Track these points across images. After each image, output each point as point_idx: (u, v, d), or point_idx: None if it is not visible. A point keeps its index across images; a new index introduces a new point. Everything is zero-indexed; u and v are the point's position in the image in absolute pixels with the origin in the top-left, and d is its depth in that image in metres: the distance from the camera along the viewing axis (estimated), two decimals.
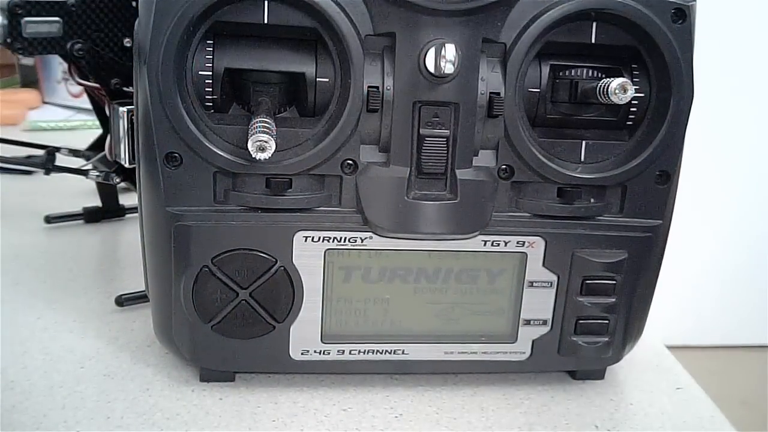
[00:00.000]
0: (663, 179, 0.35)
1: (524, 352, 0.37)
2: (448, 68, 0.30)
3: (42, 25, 0.44)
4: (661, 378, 0.40)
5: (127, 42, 0.47)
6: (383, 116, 0.32)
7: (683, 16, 0.32)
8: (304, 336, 0.35)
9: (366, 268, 0.35)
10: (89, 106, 0.55)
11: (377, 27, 0.31)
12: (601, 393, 0.39)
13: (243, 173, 0.32)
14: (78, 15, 0.45)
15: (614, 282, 0.36)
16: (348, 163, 0.33)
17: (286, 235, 0.33)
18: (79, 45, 0.45)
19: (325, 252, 0.34)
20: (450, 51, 0.30)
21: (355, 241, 0.34)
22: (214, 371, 0.36)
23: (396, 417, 0.36)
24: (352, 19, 0.31)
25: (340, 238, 0.34)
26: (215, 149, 0.31)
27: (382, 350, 0.36)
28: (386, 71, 0.31)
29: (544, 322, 0.36)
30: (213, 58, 0.31)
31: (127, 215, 0.60)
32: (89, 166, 0.51)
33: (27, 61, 1.04)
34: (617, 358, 0.38)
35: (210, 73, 0.31)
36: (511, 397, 0.38)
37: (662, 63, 0.33)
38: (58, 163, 0.54)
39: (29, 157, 0.59)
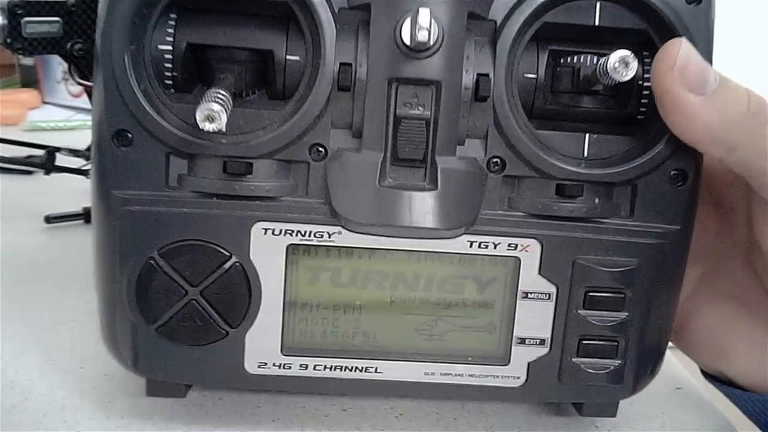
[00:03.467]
0: (679, 179, 0.30)
1: (518, 377, 0.32)
2: (422, 36, 0.27)
3: (42, 25, 0.44)
4: (661, 378, 0.40)
5: None
6: (356, 96, 0.29)
7: None
8: (262, 346, 0.31)
9: (335, 270, 0.31)
10: (89, 106, 0.55)
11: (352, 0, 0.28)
12: None
13: (199, 156, 0.29)
14: (78, 15, 0.45)
15: (623, 295, 0.31)
16: (317, 149, 0.29)
17: (243, 226, 0.30)
18: (79, 45, 0.45)
19: (287, 248, 0.30)
20: (424, 16, 0.26)
21: (322, 236, 0.30)
22: (162, 384, 0.33)
23: (396, 417, 0.36)
24: None
25: (305, 232, 0.30)
26: (168, 127, 0.28)
27: (352, 367, 0.32)
28: (360, 47, 0.28)
29: (542, 342, 0.32)
30: (174, 33, 0.29)
31: None
32: (89, 166, 0.51)
33: (27, 61, 1.04)
34: (631, 390, 0.33)
35: (170, 48, 0.29)
36: None
37: None
38: (58, 163, 0.55)
39: (29, 157, 0.59)
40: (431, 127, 0.29)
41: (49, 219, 0.57)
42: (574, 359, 0.32)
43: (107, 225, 0.30)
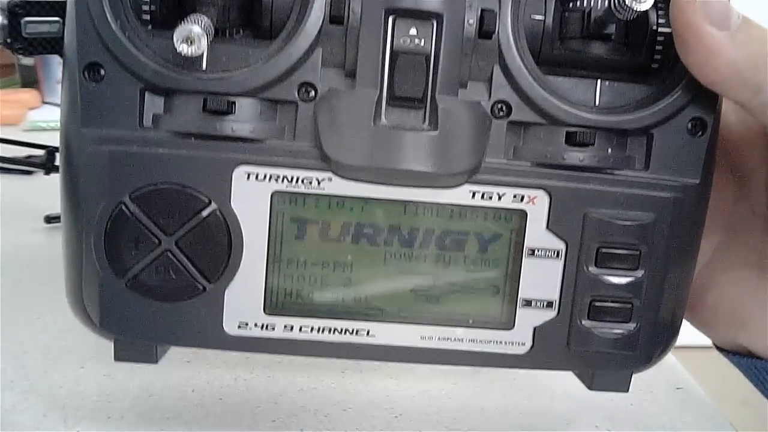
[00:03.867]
0: (698, 128, 0.28)
1: (524, 343, 0.30)
2: None
3: (42, 25, 0.44)
4: (661, 378, 0.40)
5: None
6: (349, 30, 0.27)
7: None
8: (243, 304, 0.29)
9: (324, 223, 0.28)
10: None
11: None
12: (601, 393, 0.38)
13: (176, 94, 0.27)
14: None
15: (638, 252, 0.28)
16: (306, 88, 0.27)
17: (223, 170, 0.27)
18: None
19: (272, 195, 0.28)
20: None
21: (311, 182, 0.27)
22: (131, 347, 0.30)
23: (396, 417, 0.36)
24: None
25: (292, 178, 0.27)
26: (144, 59, 0.26)
27: (342, 329, 0.29)
28: None
29: (549, 304, 0.29)
30: None
31: None
32: None
33: (27, 61, 1.05)
34: (645, 360, 0.30)
35: None
36: (511, 397, 0.38)
37: None
38: (58, 163, 0.55)
39: (29, 157, 0.59)
40: (431, 64, 0.27)
41: (49, 219, 0.57)
42: (584, 322, 0.29)
43: (75, 166, 0.28)
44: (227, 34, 0.28)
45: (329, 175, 0.27)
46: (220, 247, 0.28)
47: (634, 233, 0.28)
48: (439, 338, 0.30)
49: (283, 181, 0.27)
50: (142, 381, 0.37)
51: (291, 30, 0.27)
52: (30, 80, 1.07)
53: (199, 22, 0.25)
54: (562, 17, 0.28)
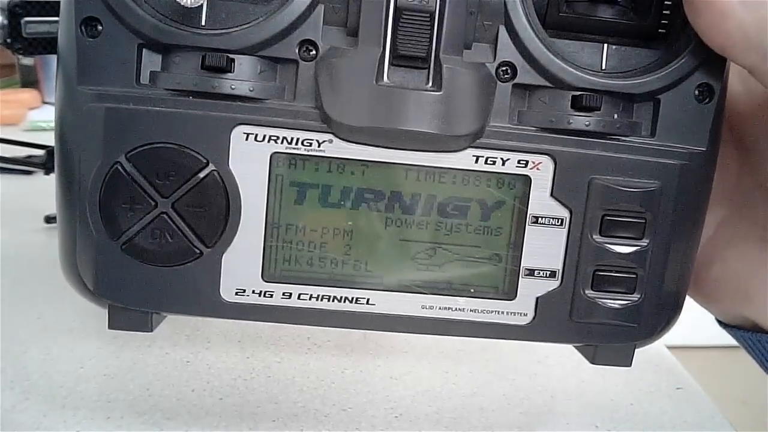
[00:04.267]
0: (705, 94, 0.28)
1: (526, 314, 0.29)
2: None
3: (42, 25, 0.44)
4: (661, 378, 0.40)
5: None
6: None
7: None
8: (241, 270, 0.28)
9: (324, 187, 0.28)
10: None
11: None
12: (601, 393, 0.39)
13: (174, 51, 0.26)
14: None
15: (644, 220, 0.28)
16: (307, 47, 0.26)
17: (221, 129, 0.26)
18: None
19: (271, 157, 0.27)
20: None
21: (311, 143, 0.27)
22: (126, 316, 0.29)
23: (396, 417, 0.36)
24: None
25: (291, 139, 0.27)
26: (142, 13, 0.26)
27: (341, 297, 0.29)
28: None
29: (552, 274, 0.29)
30: None
31: None
32: None
33: (27, 61, 1.05)
34: (648, 334, 0.30)
35: None
36: (511, 397, 0.38)
37: None
38: None
39: (29, 157, 0.59)
40: (436, 22, 0.26)
41: (49, 219, 0.57)
42: (587, 292, 0.29)
43: (71, 125, 0.27)
44: None
45: (330, 137, 0.27)
46: (217, 210, 0.27)
47: (639, 201, 0.28)
48: (440, 308, 0.29)
49: (282, 142, 0.27)
50: (142, 381, 0.37)
51: None
52: (30, 80, 1.07)
53: None
54: None
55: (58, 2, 0.46)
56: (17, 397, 0.35)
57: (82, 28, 0.26)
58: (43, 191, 0.64)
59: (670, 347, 0.43)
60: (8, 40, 0.43)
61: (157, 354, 0.40)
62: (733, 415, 0.38)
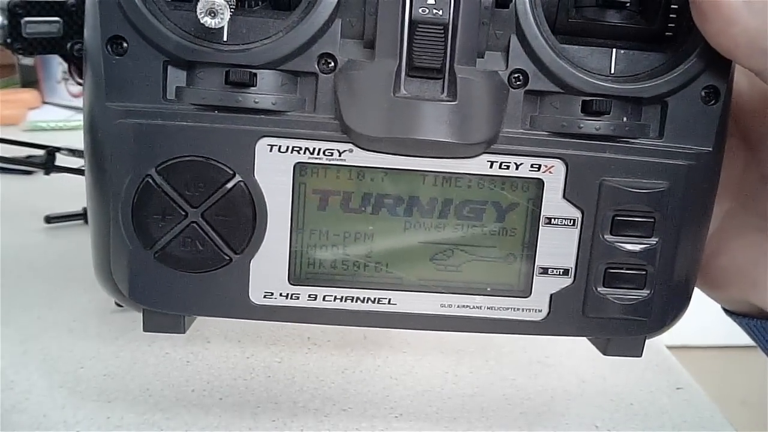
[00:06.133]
0: (711, 96, 0.29)
1: (540, 310, 0.30)
2: None
3: (42, 25, 0.44)
4: (661, 378, 0.40)
5: None
6: (367, 0, 0.27)
7: None
8: (268, 274, 0.29)
9: (345, 194, 0.29)
10: None
11: None
12: (601, 393, 0.39)
13: (199, 67, 0.27)
14: (78, 15, 0.45)
15: (653, 219, 0.29)
16: (326, 59, 0.27)
17: (246, 142, 0.28)
18: (79, 45, 0.45)
19: (294, 167, 0.28)
20: None
21: (332, 154, 0.28)
22: (159, 318, 0.30)
23: (396, 417, 0.36)
24: None
25: (314, 150, 0.28)
26: (167, 32, 0.27)
27: (364, 298, 0.30)
28: None
29: (566, 272, 0.30)
30: None
31: None
32: None
33: (27, 61, 1.04)
34: (659, 326, 0.31)
35: None
36: (511, 397, 0.38)
37: None
38: (58, 163, 0.55)
39: (29, 157, 0.59)
40: (450, 34, 0.27)
41: (49, 219, 0.57)
42: (599, 289, 0.30)
43: (101, 141, 0.28)
44: (247, 5, 0.28)
45: (350, 146, 0.28)
46: (245, 219, 0.28)
47: (648, 201, 0.29)
48: (458, 306, 0.30)
49: (305, 152, 0.28)
50: (142, 381, 0.37)
51: (310, 1, 0.27)
52: (30, 80, 1.06)
53: None
54: None
55: (58, 2, 0.46)
56: (17, 397, 0.35)
57: (109, 46, 0.27)
58: (43, 191, 0.64)
59: (670, 347, 0.43)
60: (8, 40, 0.43)
61: (157, 354, 0.40)
62: (733, 415, 0.38)
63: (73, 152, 0.56)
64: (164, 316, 0.30)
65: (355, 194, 0.29)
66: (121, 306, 0.44)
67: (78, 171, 0.52)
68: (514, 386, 0.38)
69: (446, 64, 0.27)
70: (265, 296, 0.30)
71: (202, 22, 0.25)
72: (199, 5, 0.25)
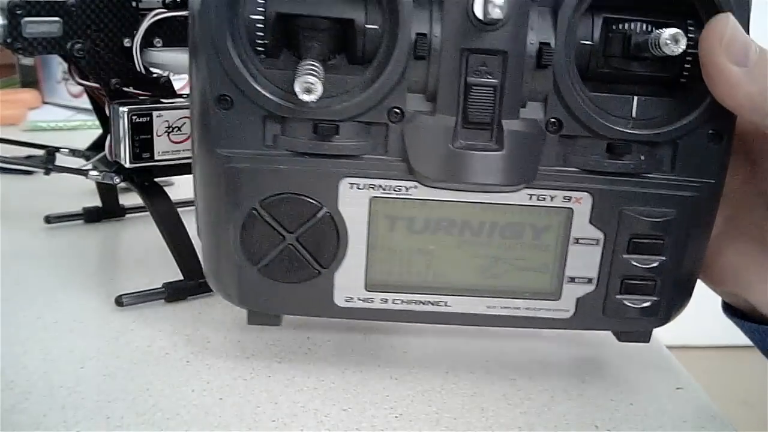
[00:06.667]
0: (716, 138, 0.34)
1: (568, 310, 0.36)
2: (496, 13, 0.29)
3: (42, 25, 0.44)
4: (661, 378, 0.40)
5: (126, 42, 0.46)
6: (430, 64, 0.32)
7: None
8: (349, 283, 0.36)
9: (411, 219, 0.35)
10: (89, 106, 0.55)
11: None
12: (601, 393, 0.39)
13: (291, 118, 0.32)
14: (78, 15, 0.45)
15: (662, 241, 0.35)
16: (395, 111, 0.32)
17: (332, 181, 0.34)
18: (79, 45, 0.45)
19: (370, 200, 0.34)
20: None
21: (400, 190, 0.34)
22: (261, 315, 0.37)
23: (396, 417, 0.36)
24: None
25: (386, 187, 0.34)
26: (265, 93, 0.32)
27: (425, 301, 0.36)
28: (434, 18, 0.31)
29: (589, 281, 0.36)
30: (265, 3, 0.31)
31: (127, 215, 0.60)
32: (89, 166, 0.51)
33: (27, 61, 1.04)
34: (664, 321, 0.37)
35: (262, 17, 0.32)
36: (511, 397, 0.38)
37: None
38: (58, 163, 0.54)
39: (29, 157, 0.58)
40: (498, 93, 0.32)
41: (49, 219, 0.57)
42: (617, 296, 0.36)
43: (211, 180, 0.34)
44: (325, 60, 0.32)
45: (415, 183, 0.34)
46: (331, 241, 0.35)
47: (659, 227, 0.34)
48: (501, 307, 0.37)
49: (378, 189, 0.34)
50: (142, 381, 0.37)
51: (381, 62, 0.32)
52: (30, 80, 1.06)
53: (313, 71, 0.29)
54: (605, 38, 0.33)
55: (58, 2, 0.46)
56: (17, 397, 0.35)
57: (217, 103, 0.32)
58: (43, 191, 0.64)
59: (670, 347, 0.43)
60: (8, 40, 0.43)
61: (157, 354, 0.40)
62: (733, 415, 0.38)
63: (73, 152, 0.56)
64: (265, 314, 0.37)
65: (418, 219, 0.35)
66: (121, 305, 0.44)
67: (78, 171, 0.52)
68: (514, 386, 0.38)
69: (495, 118, 0.32)
70: (346, 300, 0.36)
71: (300, 98, 0.29)
72: (297, 86, 0.29)
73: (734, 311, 0.39)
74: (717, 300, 0.40)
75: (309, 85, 0.29)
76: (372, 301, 0.36)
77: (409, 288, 0.36)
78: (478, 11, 0.30)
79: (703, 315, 0.38)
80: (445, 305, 0.36)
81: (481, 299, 0.36)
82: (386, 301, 0.36)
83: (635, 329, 0.38)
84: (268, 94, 0.32)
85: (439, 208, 0.34)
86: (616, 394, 0.39)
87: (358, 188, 0.34)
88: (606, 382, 0.39)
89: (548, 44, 0.31)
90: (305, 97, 0.29)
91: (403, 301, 0.36)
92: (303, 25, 0.32)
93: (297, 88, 0.29)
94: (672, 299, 0.36)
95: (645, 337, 0.38)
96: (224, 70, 0.31)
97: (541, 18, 0.32)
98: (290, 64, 0.32)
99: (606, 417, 0.36)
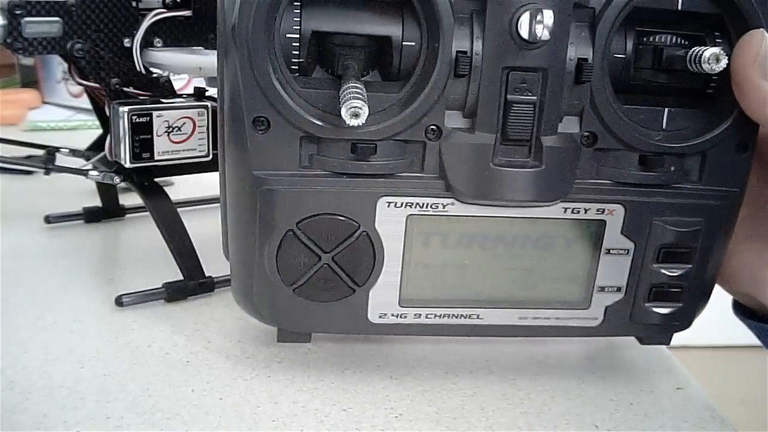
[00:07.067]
0: (742, 148, 0.34)
1: (596, 318, 0.37)
2: (545, 35, 0.29)
3: (42, 25, 0.44)
4: (661, 378, 0.40)
5: (126, 42, 0.46)
6: (470, 81, 0.31)
7: None
8: (383, 300, 0.35)
9: (445, 234, 0.35)
10: (89, 106, 0.55)
11: None
12: (601, 393, 0.39)
13: (329, 138, 0.32)
14: (78, 15, 0.45)
15: (690, 250, 0.35)
16: (432, 129, 0.32)
17: (369, 201, 0.33)
18: (79, 45, 0.45)
19: (407, 218, 0.34)
20: (548, 17, 0.29)
21: (437, 207, 0.34)
22: (291, 332, 0.37)
23: (396, 417, 0.36)
24: None
25: (423, 204, 0.34)
26: (304, 114, 0.31)
27: (458, 314, 0.36)
28: (475, 36, 0.31)
29: (619, 289, 0.36)
30: (300, 21, 0.31)
31: (127, 215, 0.60)
32: (89, 166, 0.51)
33: (27, 61, 1.04)
34: (686, 324, 0.38)
35: (297, 36, 0.31)
36: (511, 397, 0.38)
37: (746, 31, 0.32)
38: (58, 163, 0.54)
39: (29, 157, 0.58)
40: (537, 110, 0.32)
41: (49, 219, 0.57)
42: (645, 304, 0.36)
43: (246, 201, 0.33)
44: (361, 76, 0.32)
45: (452, 200, 0.34)
46: (367, 260, 0.34)
47: (688, 236, 0.35)
48: (533, 318, 0.37)
49: (415, 207, 0.34)
50: (142, 381, 0.37)
51: (419, 79, 0.31)
52: (30, 80, 1.06)
53: (358, 94, 0.29)
54: (637, 51, 0.33)
55: (58, 2, 0.46)
56: (17, 397, 0.35)
57: (254, 124, 0.31)
58: (43, 191, 0.64)
59: (670, 347, 0.43)
60: (8, 40, 0.43)
61: (157, 354, 0.40)
62: (733, 415, 0.38)
63: (73, 152, 0.56)
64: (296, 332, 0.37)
65: (453, 234, 0.35)
66: (121, 305, 0.44)
67: (78, 171, 0.52)
68: (514, 386, 0.38)
69: (534, 135, 0.32)
70: (380, 316, 0.36)
71: (347, 122, 0.28)
72: (344, 111, 0.28)
73: (745, 311, 0.39)
74: (717, 300, 0.40)
75: (356, 109, 0.28)
76: (405, 317, 0.36)
77: (442, 302, 0.36)
78: (524, 31, 0.30)
79: (703, 315, 0.38)
80: (478, 318, 0.36)
81: (513, 311, 0.36)
82: (420, 315, 0.36)
83: (659, 333, 0.38)
84: (307, 116, 0.31)
85: (474, 223, 0.34)
86: (616, 394, 0.39)
87: (396, 207, 0.33)
88: (606, 382, 0.39)
89: (586, 60, 0.31)
90: (353, 122, 0.28)
91: (436, 316, 0.36)
92: (339, 43, 0.31)
93: (344, 113, 0.28)
94: (695, 304, 0.37)
95: (666, 340, 0.39)
96: (262, 92, 0.31)
97: (579, 33, 0.31)
98: (326, 83, 0.32)
99: (606, 417, 0.36)
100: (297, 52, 0.31)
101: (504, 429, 0.35)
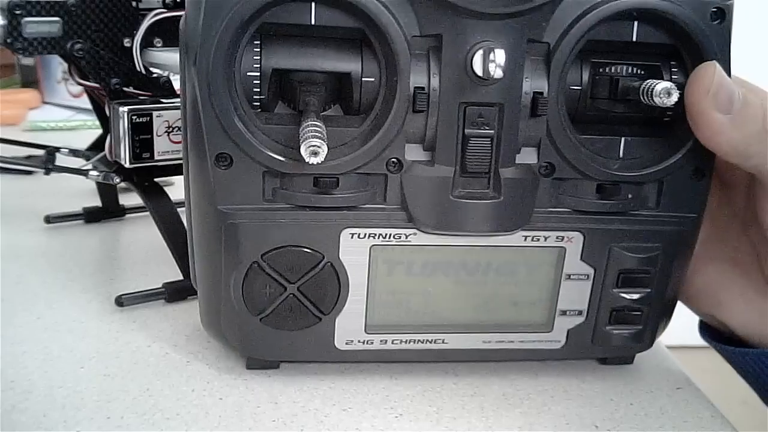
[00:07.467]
0: (698, 175, 0.35)
1: (559, 341, 0.38)
2: (498, 73, 0.30)
3: (42, 25, 0.44)
4: (661, 378, 0.40)
5: (126, 42, 0.46)
6: (429, 116, 0.32)
7: (722, 16, 0.32)
8: (349, 327, 0.36)
9: (408, 263, 0.35)
10: (89, 106, 0.55)
11: (423, 28, 0.31)
12: (601, 393, 0.39)
13: (291, 173, 0.32)
14: (78, 15, 0.45)
15: (649, 274, 0.36)
16: (393, 162, 0.33)
17: (333, 233, 0.34)
18: (79, 45, 0.45)
19: (370, 248, 0.34)
20: (500, 56, 0.30)
21: (400, 237, 0.34)
22: (260, 360, 0.37)
23: (396, 417, 0.36)
24: (399, 21, 0.31)
25: (386, 235, 0.34)
26: (265, 150, 0.32)
27: (423, 339, 0.37)
28: (432, 72, 0.31)
29: (580, 313, 0.37)
30: (261, 59, 0.31)
31: (127, 215, 0.60)
32: (89, 166, 0.51)
33: (27, 61, 1.04)
34: (647, 345, 0.39)
35: (258, 74, 0.31)
36: (511, 397, 0.38)
37: (701, 61, 0.32)
38: (58, 163, 0.54)
39: (29, 157, 0.59)
40: (495, 143, 0.32)
41: (49, 219, 0.57)
42: (606, 327, 0.37)
43: (211, 235, 0.34)
44: (322, 110, 0.33)
45: (414, 231, 0.34)
46: (332, 289, 0.35)
47: (646, 261, 0.36)
48: (496, 341, 0.38)
49: (378, 237, 0.34)
50: (142, 381, 0.37)
51: (379, 114, 0.32)
52: (30, 80, 1.06)
53: (317, 132, 0.29)
54: (593, 81, 0.34)
55: (58, 2, 0.46)
56: (17, 397, 0.35)
57: (217, 161, 0.32)
58: (43, 191, 0.64)
59: (670, 347, 0.43)
60: (8, 40, 0.43)
61: (157, 354, 0.40)
62: (733, 415, 0.38)
63: (73, 152, 0.56)
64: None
65: (417, 263, 0.35)
66: (121, 305, 0.44)
67: (78, 171, 0.52)
68: (514, 386, 0.38)
69: (492, 167, 0.33)
70: (346, 343, 0.37)
71: (307, 160, 0.29)
72: (303, 150, 0.29)
73: (712, 333, 0.40)
74: None
75: (315, 148, 0.29)
76: (372, 343, 0.37)
77: (407, 328, 0.37)
78: (478, 68, 0.30)
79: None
80: (443, 342, 0.37)
81: (478, 335, 0.37)
82: (386, 342, 0.37)
83: (621, 355, 0.40)
84: (269, 152, 0.32)
85: (437, 252, 0.35)
86: (616, 394, 0.39)
87: (359, 237, 0.34)
88: (606, 382, 0.39)
89: (542, 93, 0.32)
90: (312, 160, 0.29)
91: (402, 341, 0.37)
92: (299, 80, 0.32)
93: (303, 152, 0.29)
94: (656, 325, 0.38)
95: (629, 360, 0.40)
96: (224, 130, 0.31)
97: (534, 68, 0.32)
98: (287, 119, 0.32)
99: (606, 417, 0.36)
100: (258, 89, 0.32)
101: (504, 429, 0.35)
